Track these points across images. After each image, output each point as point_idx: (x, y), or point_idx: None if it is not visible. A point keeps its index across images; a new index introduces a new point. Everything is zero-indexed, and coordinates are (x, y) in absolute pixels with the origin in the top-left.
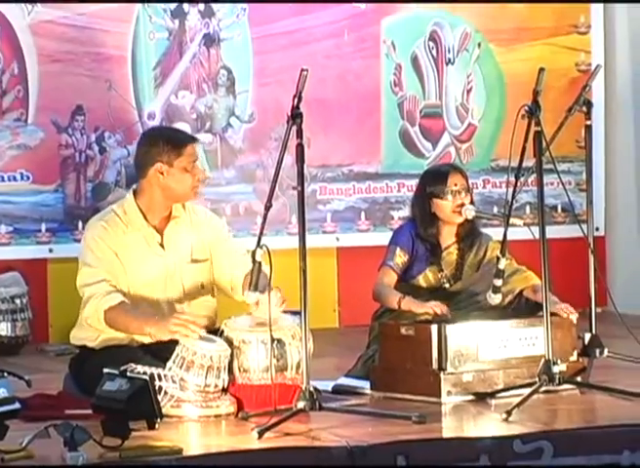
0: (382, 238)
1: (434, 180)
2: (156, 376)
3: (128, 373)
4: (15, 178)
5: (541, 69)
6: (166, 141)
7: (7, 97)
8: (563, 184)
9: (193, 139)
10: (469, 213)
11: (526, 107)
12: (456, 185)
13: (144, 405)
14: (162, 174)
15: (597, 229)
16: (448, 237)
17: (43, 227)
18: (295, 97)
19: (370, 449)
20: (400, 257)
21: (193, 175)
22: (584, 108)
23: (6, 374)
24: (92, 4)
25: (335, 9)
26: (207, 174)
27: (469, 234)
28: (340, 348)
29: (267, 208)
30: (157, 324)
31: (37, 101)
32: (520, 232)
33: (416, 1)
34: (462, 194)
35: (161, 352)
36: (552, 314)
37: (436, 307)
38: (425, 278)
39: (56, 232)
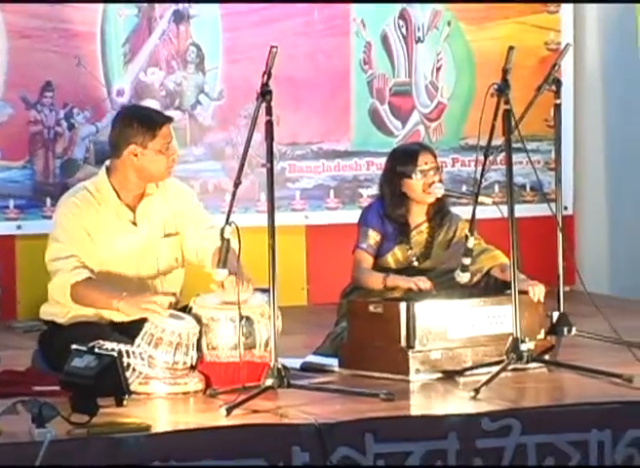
0: (351, 216)
1: (404, 160)
2: (124, 353)
3: (96, 350)
4: None
5: (511, 48)
6: (140, 123)
7: None
8: (532, 163)
9: (168, 120)
10: (438, 191)
11: (495, 86)
12: (426, 164)
13: (113, 381)
14: (136, 156)
15: (566, 208)
16: (418, 216)
17: (11, 204)
18: (264, 74)
19: (337, 427)
20: (373, 238)
21: (167, 157)
22: (554, 87)
23: None
24: None
25: None
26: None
27: (438, 212)
28: (308, 326)
29: (236, 185)
30: (126, 299)
31: (6, 77)
32: (489, 211)
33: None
34: (432, 173)
35: (130, 330)
36: (521, 292)
37: (420, 282)
38: (394, 256)
39: (24, 209)
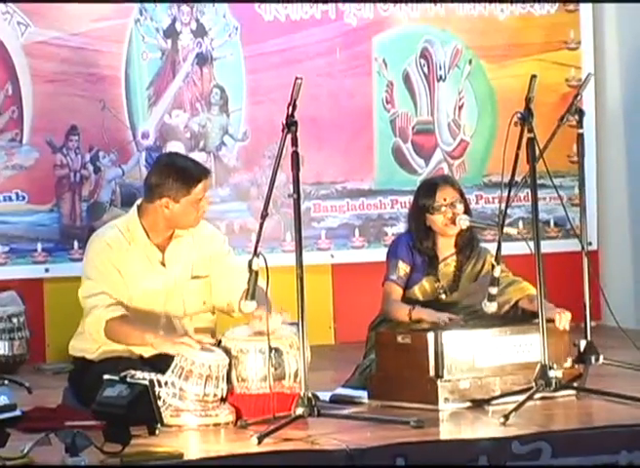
0: (377, 254)
1: (425, 195)
2: (156, 383)
3: (128, 379)
4: (10, 199)
5: (533, 76)
6: (176, 178)
7: (1, 118)
8: (558, 192)
9: (205, 175)
10: (463, 222)
11: (518, 114)
12: (445, 200)
13: (145, 409)
14: (167, 208)
15: (590, 244)
16: (446, 248)
17: (39, 247)
18: (289, 105)
19: (369, 451)
20: (403, 270)
21: (198, 210)
22: (576, 116)
23: (6, 382)
24: (84, 24)
25: (326, 26)
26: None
27: (468, 244)
28: (336, 362)
29: (263, 216)
30: (161, 337)
31: (32, 122)
32: (515, 247)
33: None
34: (455, 206)
35: (159, 364)
36: (547, 320)
37: (442, 321)
38: (422, 288)
39: (51, 252)
